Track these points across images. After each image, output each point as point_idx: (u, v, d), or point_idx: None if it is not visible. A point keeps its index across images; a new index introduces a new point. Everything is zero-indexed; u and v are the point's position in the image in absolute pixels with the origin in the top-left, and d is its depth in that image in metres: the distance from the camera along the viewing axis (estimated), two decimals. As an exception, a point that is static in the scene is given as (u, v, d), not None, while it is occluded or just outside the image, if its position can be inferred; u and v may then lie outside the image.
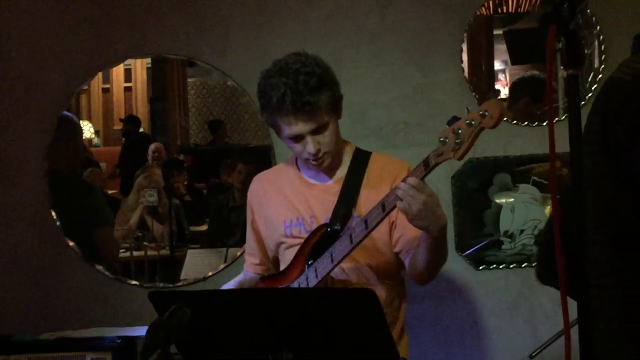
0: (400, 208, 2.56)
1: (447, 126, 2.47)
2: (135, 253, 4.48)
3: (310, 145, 2.84)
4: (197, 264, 4.34)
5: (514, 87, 4.27)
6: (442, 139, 2.47)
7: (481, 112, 2.38)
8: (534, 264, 4.04)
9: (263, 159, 4.21)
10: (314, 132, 2.83)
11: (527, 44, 4.21)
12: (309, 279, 2.81)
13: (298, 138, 2.85)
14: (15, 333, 3.54)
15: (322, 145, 2.85)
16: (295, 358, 2.26)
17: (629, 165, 1.84)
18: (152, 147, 4.58)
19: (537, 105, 4.16)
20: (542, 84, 4.19)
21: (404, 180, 2.56)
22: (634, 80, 1.88)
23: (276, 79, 2.78)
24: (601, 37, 4.03)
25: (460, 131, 2.42)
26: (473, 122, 2.40)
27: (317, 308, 2.25)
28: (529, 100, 4.19)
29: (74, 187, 4.44)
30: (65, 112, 4.23)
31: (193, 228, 4.64)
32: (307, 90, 2.74)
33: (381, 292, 2.87)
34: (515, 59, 4.24)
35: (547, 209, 4.07)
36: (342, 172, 3.00)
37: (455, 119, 2.47)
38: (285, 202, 3.04)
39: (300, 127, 2.80)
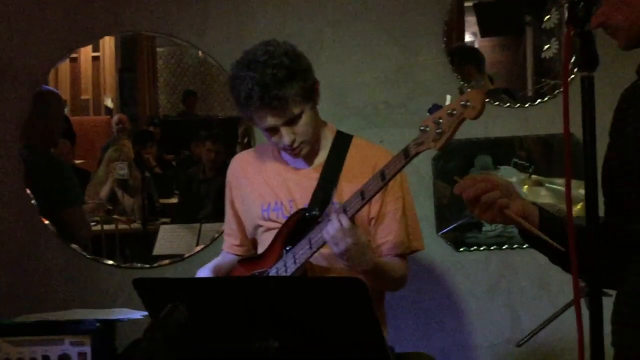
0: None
1: (428, 114, 2.44)
2: (105, 227, 4.44)
3: (285, 137, 2.80)
4: (170, 240, 4.32)
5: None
6: (422, 128, 2.44)
7: (462, 103, 2.35)
8: (514, 246, 4.06)
9: (231, 132, 4.30)
10: (287, 123, 2.79)
11: (496, 17, 4.20)
12: (287, 265, 2.77)
13: (273, 130, 2.82)
14: (-8, 315, 3.50)
15: (297, 135, 2.82)
16: (281, 347, 2.24)
17: None
18: (115, 118, 4.55)
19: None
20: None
21: (337, 213, 2.61)
22: None
23: (244, 73, 2.74)
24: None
25: (441, 121, 2.39)
26: (454, 112, 2.36)
27: (305, 297, 2.23)
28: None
29: (46, 164, 4.38)
30: (46, 86, 4.19)
31: (163, 201, 4.63)
32: (274, 83, 2.70)
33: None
34: (485, 31, 4.21)
35: (525, 189, 4.06)
36: (322, 156, 2.97)
37: (436, 107, 2.43)
38: (264, 185, 3.00)
39: (270, 122, 2.77)
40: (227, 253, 3.22)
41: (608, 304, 1.85)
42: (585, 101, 1.44)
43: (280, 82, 2.70)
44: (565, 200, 1.59)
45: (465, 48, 4.24)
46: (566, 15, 3.97)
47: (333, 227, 2.59)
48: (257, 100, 2.70)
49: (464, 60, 4.15)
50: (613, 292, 2.08)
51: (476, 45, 4.25)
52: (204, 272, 3.07)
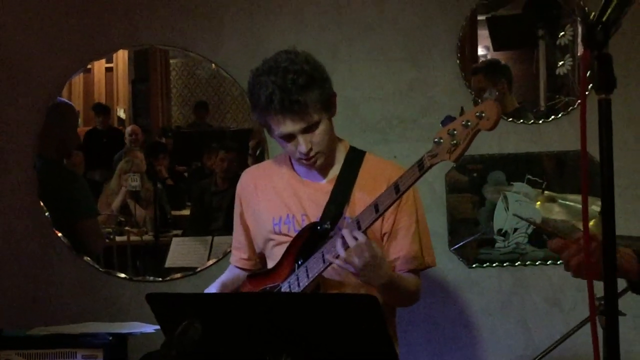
0: (344, 258, 2.61)
1: (442, 126, 2.41)
2: (117, 239, 4.45)
3: (302, 145, 2.77)
4: (182, 252, 4.32)
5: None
6: (436, 140, 2.41)
7: (477, 114, 2.33)
8: (527, 263, 4.05)
9: (243, 144, 4.28)
10: (305, 130, 2.77)
11: (509, 31, 4.20)
12: (300, 279, 2.76)
13: (289, 137, 2.79)
14: (4, 327, 3.49)
15: (314, 144, 2.79)
16: (294, 362, 2.23)
17: None
18: (128, 129, 4.55)
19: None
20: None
21: (350, 230, 2.59)
22: None
23: (265, 78, 2.72)
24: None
25: (455, 132, 2.36)
26: (469, 124, 2.34)
27: (318, 313, 2.22)
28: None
29: (59, 176, 4.40)
30: (61, 99, 4.21)
31: (175, 212, 4.62)
32: (295, 88, 2.68)
33: (375, 294, 2.84)
34: (498, 44, 4.21)
35: (538, 206, 4.05)
36: (335, 170, 2.94)
37: (449, 118, 2.40)
38: (276, 199, 2.98)
39: (289, 127, 2.75)
40: (235, 267, 3.21)
41: (622, 323, 1.84)
42: (602, 124, 1.43)
43: (301, 88, 2.69)
44: (582, 217, 1.58)
45: (495, 64, 4.22)
46: (580, 31, 3.99)
47: (349, 245, 2.57)
48: (278, 104, 2.68)
49: (492, 76, 4.16)
50: (627, 311, 2.07)
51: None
52: (212, 290, 3.07)
